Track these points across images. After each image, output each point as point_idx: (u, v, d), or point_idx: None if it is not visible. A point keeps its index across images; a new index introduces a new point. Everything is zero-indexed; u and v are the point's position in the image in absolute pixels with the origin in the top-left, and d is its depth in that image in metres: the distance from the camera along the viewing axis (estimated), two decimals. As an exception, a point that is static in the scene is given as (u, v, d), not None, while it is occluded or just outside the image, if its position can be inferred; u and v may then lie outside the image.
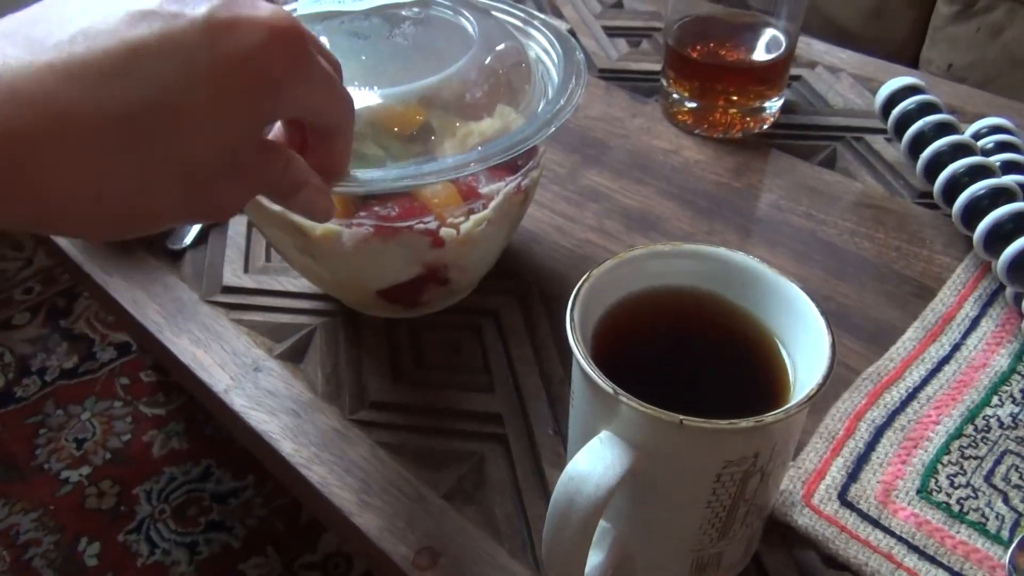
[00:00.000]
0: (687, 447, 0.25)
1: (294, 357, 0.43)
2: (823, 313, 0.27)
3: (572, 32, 0.72)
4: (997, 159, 0.48)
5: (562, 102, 0.38)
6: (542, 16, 0.43)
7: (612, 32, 0.73)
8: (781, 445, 0.26)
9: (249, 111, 0.25)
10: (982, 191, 0.42)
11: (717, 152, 0.57)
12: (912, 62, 1.07)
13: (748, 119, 0.58)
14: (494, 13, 0.43)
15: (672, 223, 0.51)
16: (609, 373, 0.25)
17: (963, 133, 0.49)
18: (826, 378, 0.25)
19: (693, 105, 0.58)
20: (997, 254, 0.40)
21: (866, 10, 1.08)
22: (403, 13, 0.40)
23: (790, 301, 0.28)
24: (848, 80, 0.64)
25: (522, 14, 0.44)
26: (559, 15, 0.76)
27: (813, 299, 0.27)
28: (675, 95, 0.59)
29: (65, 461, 0.97)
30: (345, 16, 0.39)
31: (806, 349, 0.27)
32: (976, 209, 0.42)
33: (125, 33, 0.22)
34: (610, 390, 0.25)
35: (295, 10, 0.39)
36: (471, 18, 0.40)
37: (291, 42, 0.25)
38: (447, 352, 0.43)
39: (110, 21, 0.23)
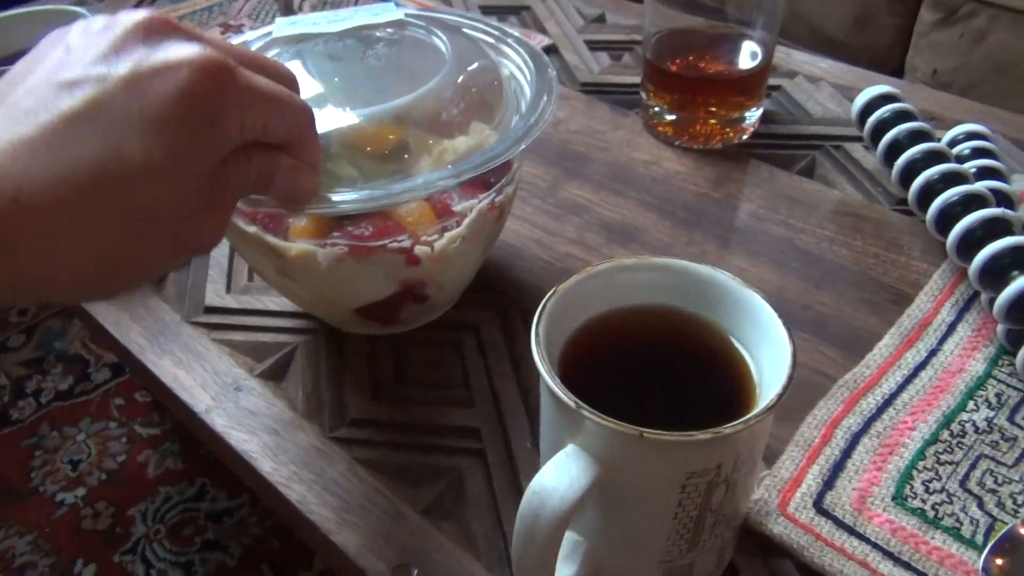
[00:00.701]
0: (650, 459, 0.25)
1: (275, 376, 0.44)
2: (785, 323, 0.27)
3: (555, 47, 0.73)
4: (973, 165, 0.48)
5: (534, 118, 0.38)
6: (515, 34, 0.44)
7: (594, 46, 0.73)
8: (745, 455, 0.26)
9: (195, 150, 0.25)
10: (955, 197, 0.43)
11: (697, 163, 0.58)
12: (898, 69, 1.07)
13: (727, 130, 0.58)
14: (467, 31, 0.43)
15: (652, 234, 0.52)
16: (578, 388, 0.26)
17: (939, 140, 0.50)
18: (785, 388, 0.25)
19: (673, 117, 0.59)
20: (969, 259, 0.40)
21: (851, 19, 1.09)
22: (377, 34, 0.40)
23: (754, 311, 0.28)
24: (828, 89, 0.65)
25: (495, 32, 0.44)
26: (543, 30, 0.76)
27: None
28: (655, 107, 0.59)
29: (60, 483, 0.97)
30: (320, 38, 0.39)
31: (770, 359, 0.27)
32: (949, 215, 0.42)
33: (60, 105, 0.24)
34: (572, 404, 0.25)
35: (270, 34, 0.40)
36: (444, 37, 0.41)
37: (216, 75, 0.26)
38: (427, 368, 0.43)
39: (45, 98, 0.24)
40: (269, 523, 0.92)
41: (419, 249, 0.39)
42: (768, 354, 0.28)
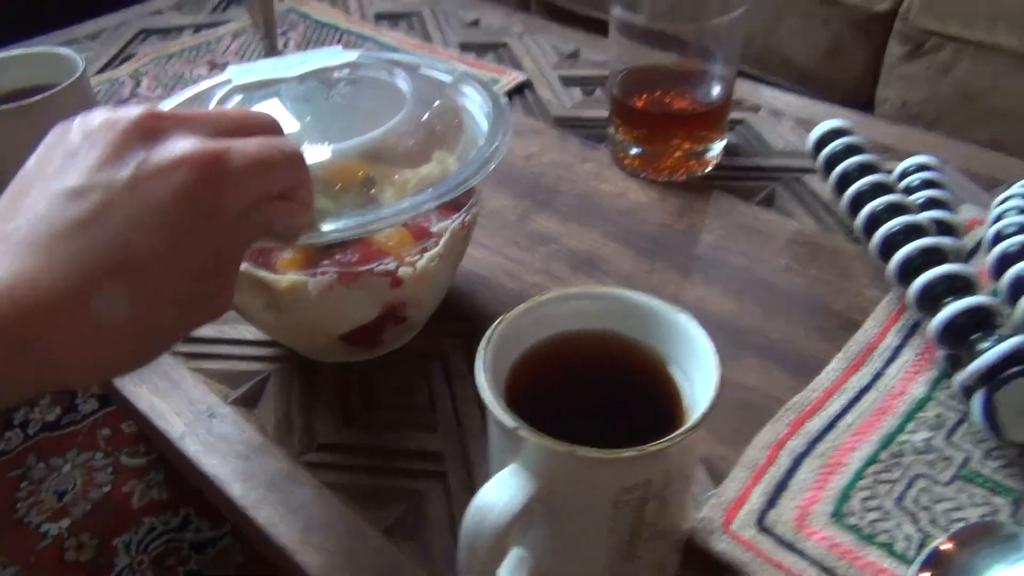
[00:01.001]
0: (583, 476, 0.27)
1: (248, 403, 0.45)
2: (714, 346, 0.29)
3: (529, 82, 0.76)
4: (921, 195, 0.50)
5: (495, 144, 0.40)
6: (470, 70, 0.46)
7: (568, 81, 0.76)
8: (675, 471, 0.28)
9: (199, 240, 0.28)
10: (896, 227, 0.45)
11: (662, 195, 0.60)
12: (869, 100, 1.10)
13: (691, 162, 0.61)
14: (424, 71, 0.46)
15: (615, 264, 0.54)
16: (522, 410, 0.27)
17: (890, 172, 0.52)
18: (709, 409, 0.27)
19: (638, 151, 0.61)
20: (908, 286, 0.42)
21: (822, 52, 1.12)
22: (336, 76, 0.43)
23: (687, 336, 0.30)
24: (790, 123, 0.67)
25: (451, 70, 0.46)
26: (519, 66, 0.79)
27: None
28: (622, 141, 0.62)
29: (45, 514, 0.98)
30: (281, 83, 0.42)
31: (701, 380, 0.29)
32: (891, 244, 0.45)
33: (71, 213, 0.26)
34: (511, 425, 0.27)
35: (229, 81, 0.42)
36: (402, 75, 0.43)
37: (211, 169, 0.28)
38: (395, 394, 0.45)
39: (57, 205, 0.26)
40: (252, 553, 0.92)
41: (403, 270, 0.41)
42: (699, 376, 0.29)
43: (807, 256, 0.53)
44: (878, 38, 1.06)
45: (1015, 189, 0.50)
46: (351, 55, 0.44)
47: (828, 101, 0.72)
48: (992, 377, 0.36)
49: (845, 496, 0.37)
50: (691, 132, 0.60)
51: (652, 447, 0.26)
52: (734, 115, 0.67)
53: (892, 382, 0.43)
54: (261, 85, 0.42)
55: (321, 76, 0.43)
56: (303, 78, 0.42)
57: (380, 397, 0.45)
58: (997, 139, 1.00)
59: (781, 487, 0.38)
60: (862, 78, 1.10)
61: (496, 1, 1.03)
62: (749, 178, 0.61)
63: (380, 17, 0.91)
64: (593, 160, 0.64)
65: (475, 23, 0.88)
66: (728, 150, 0.63)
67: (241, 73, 0.42)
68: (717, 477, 0.39)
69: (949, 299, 0.40)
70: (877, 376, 0.43)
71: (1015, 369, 0.35)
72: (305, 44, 0.85)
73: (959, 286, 0.41)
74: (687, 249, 0.55)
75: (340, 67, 0.43)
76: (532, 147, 0.66)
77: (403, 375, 0.46)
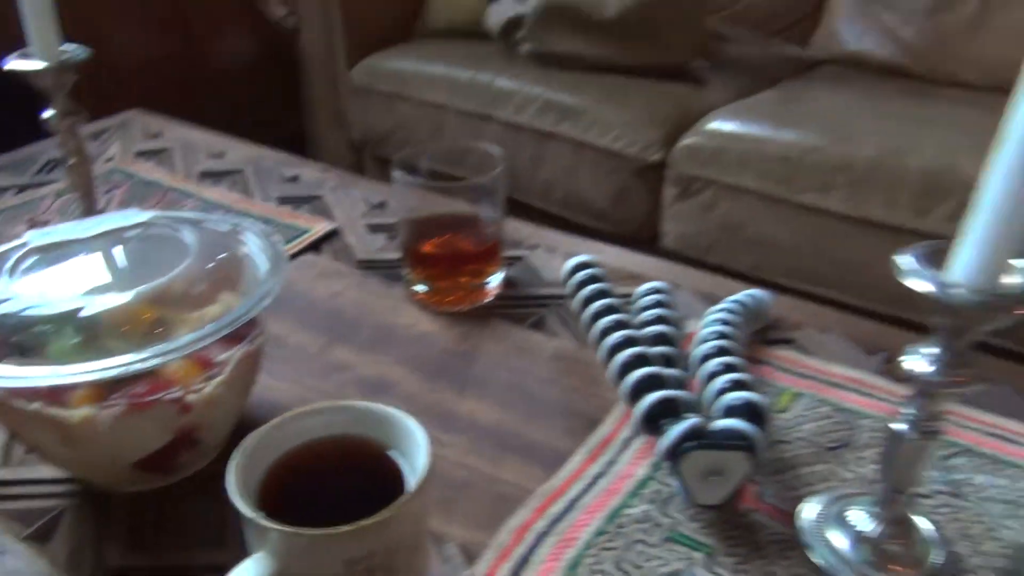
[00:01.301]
0: (314, 552, 0.33)
1: (41, 538, 0.47)
2: (428, 439, 0.36)
3: (338, 230, 0.84)
4: (652, 313, 0.61)
5: (269, 284, 0.47)
6: (249, 221, 0.54)
7: (374, 228, 0.85)
8: (398, 542, 0.34)
9: None
10: (618, 340, 0.55)
11: (448, 324, 0.68)
12: (654, 234, 1.27)
13: (473, 294, 0.70)
14: (210, 225, 0.53)
15: (403, 387, 0.61)
16: (277, 506, 0.33)
17: (628, 296, 0.63)
18: (416, 490, 0.34)
19: (426, 287, 0.70)
20: (626, 396, 0.52)
21: (613, 195, 1.29)
22: (127, 235, 0.49)
23: (410, 432, 0.37)
24: (560, 258, 0.78)
25: (233, 223, 0.54)
26: (331, 217, 0.87)
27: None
28: (412, 280, 0.70)
29: None
30: (77, 243, 0.48)
31: (419, 464, 0.36)
32: (613, 354, 0.54)
33: None
34: (249, 516, 0.32)
35: (26, 243, 0.47)
36: (189, 230, 0.50)
37: None
38: (186, 515, 0.49)
39: None
40: None
41: (190, 397, 0.46)
42: (418, 461, 0.36)
43: (564, 369, 0.62)
44: (655, 183, 1.24)
45: (721, 304, 0.62)
46: (144, 215, 0.50)
47: (623, 235, 0.85)
48: (675, 451, 0.45)
49: (575, 565, 0.44)
50: (470, 269, 0.70)
51: (366, 521, 0.32)
52: (515, 252, 0.77)
53: (623, 467, 0.51)
54: (57, 246, 0.47)
55: (114, 235, 0.49)
56: (96, 238, 0.48)
57: (171, 520, 0.49)
58: (757, 263, 1.18)
59: (523, 563, 0.44)
60: (647, 216, 1.28)
61: (330, 158, 1.13)
62: (523, 306, 0.71)
63: (204, 175, 0.98)
64: (390, 297, 0.72)
65: (294, 179, 0.97)
66: (508, 282, 0.73)
67: (40, 236, 0.47)
68: (472, 559, 0.45)
69: (645, 394, 0.49)
70: (611, 463, 0.52)
71: (689, 444, 0.44)
72: (129, 202, 0.91)
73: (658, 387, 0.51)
74: (465, 369, 0.63)
75: (133, 227, 0.49)
76: (336, 287, 0.74)
77: (194, 498, 0.50)
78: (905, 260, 0.37)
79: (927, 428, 0.40)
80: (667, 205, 1.25)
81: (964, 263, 0.35)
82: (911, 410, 0.41)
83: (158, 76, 1.84)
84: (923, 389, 0.40)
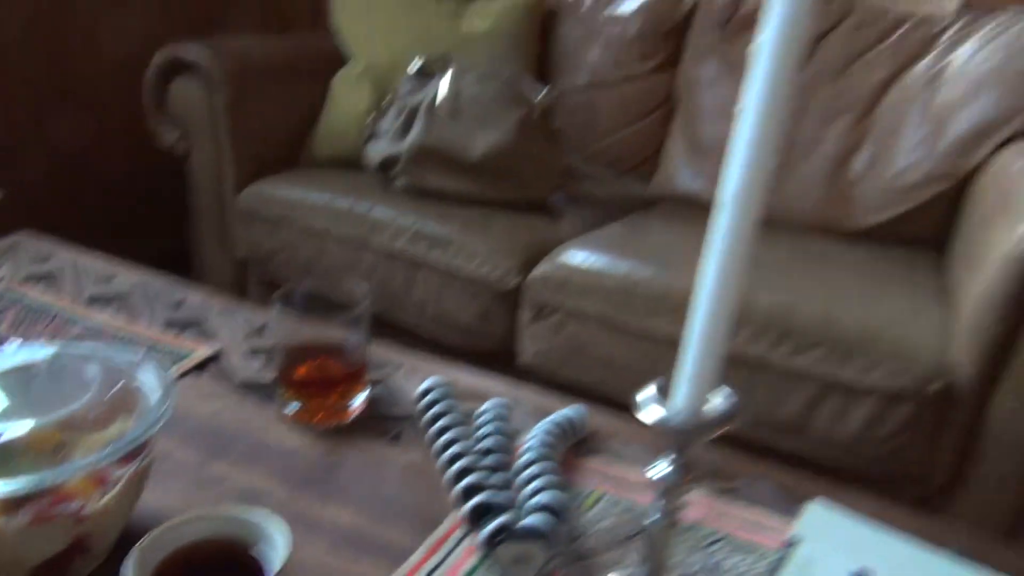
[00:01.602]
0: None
1: (-62, 640, 0.54)
2: (289, 536, 0.47)
3: (220, 353, 0.94)
4: (491, 427, 0.74)
5: (161, 411, 0.57)
6: (145, 356, 0.64)
7: (255, 351, 0.95)
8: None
9: None
10: (454, 453, 0.67)
11: (315, 439, 0.79)
12: (511, 351, 1.42)
13: (339, 413, 0.81)
14: (112, 359, 0.63)
15: (273, 495, 0.70)
16: None
17: (471, 411, 0.76)
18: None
19: (297, 406, 0.80)
20: (456, 500, 0.64)
21: (477, 315, 1.44)
22: (34, 370, 0.58)
23: (273, 532, 0.48)
24: (420, 378, 0.91)
25: (132, 357, 0.64)
26: (214, 339, 0.97)
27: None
28: (285, 399, 0.81)
29: None
30: (-6, 377, 0.57)
31: (283, 559, 0.47)
32: (452, 461, 0.67)
33: None
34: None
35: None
36: (93, 364, 0.60)
37: None
38: (76, 616, 0.56)
39: None
40: None
41: (88, 508, 0.55)
42: (280, 555, 0.47)
43: (414, 478, 0.74)
44: (513, 306, 1.40)
45: (547, 420, 0.76)
46: (49, 350, 0.60)
47: (486, 351, 0.98)
48: (489, 542, 0.57)
49: (409, 639, 0.55)
50: (339, 390, 0.81)
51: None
52: (382, 372, 0.89)
53: (456, 560, 0.63)
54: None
55: (23, 370, 0.58)
56: (9, 372, 0.57)
57: (63, 620, 0.56)
58: (602, 379, 1.34)
59: (367, 639, 0.54)
60: (506, 334, 1.43)
61: (215, 275, 1.21)
62: (385, 421, 0.82)
63: (93, 299, 1.06)
64: (265, 415, 0.82)
65: (180, 303, 1.06)
66: (372, 401, 0.84)
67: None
68: (325, 640, 0.55)
69: (472, 498, 0.62)
70: (447, 555, 0.63)
71: (499, 537, 0.57)
72: (18, 326, 0.97)
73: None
74: (329, 479, 0.73)
75: (40, 361, 0.59)
76: (216, 406, 0.83)
77: (85, 600, 0.58)
78: (646, 393, 0.52)
79: (671, 517, 0.54)
80: (524, 326, 1.41)
81: (681, 396, 0.50)
82: (659, 504, 0.55)
83: (49, 193, 1.90)
84: (664, 489, 0.54)
